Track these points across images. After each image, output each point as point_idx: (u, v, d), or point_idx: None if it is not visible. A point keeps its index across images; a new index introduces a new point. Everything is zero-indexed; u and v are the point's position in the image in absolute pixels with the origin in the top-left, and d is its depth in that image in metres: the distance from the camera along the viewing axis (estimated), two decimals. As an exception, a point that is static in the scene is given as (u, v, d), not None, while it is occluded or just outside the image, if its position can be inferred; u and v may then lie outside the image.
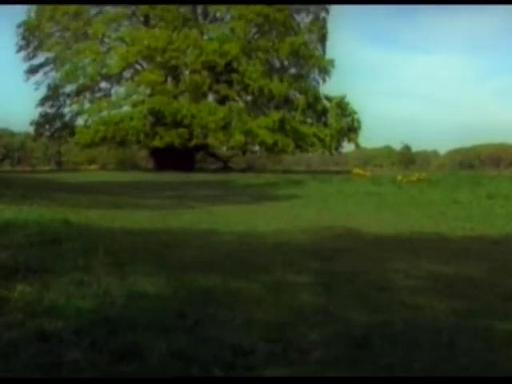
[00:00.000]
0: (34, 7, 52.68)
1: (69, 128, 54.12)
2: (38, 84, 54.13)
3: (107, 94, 53.79)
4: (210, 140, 48.12)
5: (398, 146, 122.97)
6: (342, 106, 53.28)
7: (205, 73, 48.45)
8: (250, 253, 8.78)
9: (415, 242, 10.62)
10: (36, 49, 54.07)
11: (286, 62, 55.04)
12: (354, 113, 53.98)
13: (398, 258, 8.76)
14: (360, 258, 8.70)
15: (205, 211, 15.50)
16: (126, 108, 50.42)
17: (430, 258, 8.78)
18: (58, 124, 55.08)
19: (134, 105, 49.54)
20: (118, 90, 53.51)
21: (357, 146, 57.55)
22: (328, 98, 54.49)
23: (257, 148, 54.77)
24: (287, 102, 52.93)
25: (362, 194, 22.39)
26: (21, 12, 53.73)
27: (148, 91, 49.64)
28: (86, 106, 52.71)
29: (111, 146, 56.60)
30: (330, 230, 12.11)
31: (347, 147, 59.16)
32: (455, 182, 26.98)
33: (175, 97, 48.73)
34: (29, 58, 54.31)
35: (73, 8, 50.50)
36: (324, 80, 55.07)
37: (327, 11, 57.22)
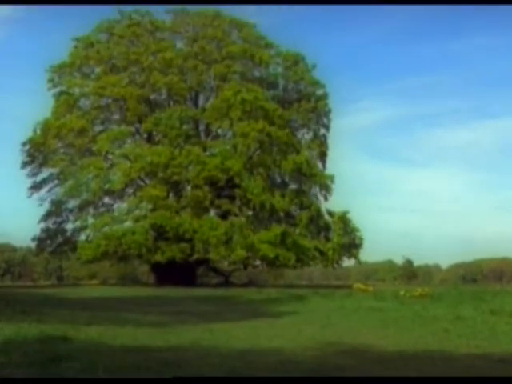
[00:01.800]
0: (39, 124, 54.20)
1: (70, 243, 54.28)
2: (41, 200, 54.87)
3: (110, 210, 54.37)
4: (212, 255, 48.02)
5: (399, 261, 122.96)
6: (344, 221, 53.65)
7: (206, 188, 49.08)
8: (252, 372, 8.65)
9: (420, 360, 10.46)
10: (41, 165, 55.04)
11: (287, 178, 55.88)
12: (357, 230, 54.38)
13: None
14: (364, 377, 8.54)
15: (205, 328, 15.33)
16: (128, 223, 50.77)
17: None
18: (59, 239, 55.30)
19: (136, 220, 49.84)
20: (121, 206, 54.20)
21: (358, 262, 57.76)
22: (330, 213, 54.99)
23: (258, 262, 54.63)
24: (288, 216, 53.38)
25: (364, 309, 22.17)
26: (26, 129, 54.98)
27: (150, 206, 50.06)
28: (89, 221, 53.15)
29: (112, 260, 56.67)
30: (332, 348, 11.95)
31: (348, 262, 59.18)
32: (458, 297, 26.78)
33: (177, 212, 49.05)
34: (33, 173, 55.24)
35: (78, 125, 51.83)
36: (326, 197, 55.73)
37: (327, 129, 58.84)
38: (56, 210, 54.62)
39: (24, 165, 54.85)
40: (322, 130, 58.91)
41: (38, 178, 55.34)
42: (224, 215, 50.62)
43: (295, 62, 57.63)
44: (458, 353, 11.43)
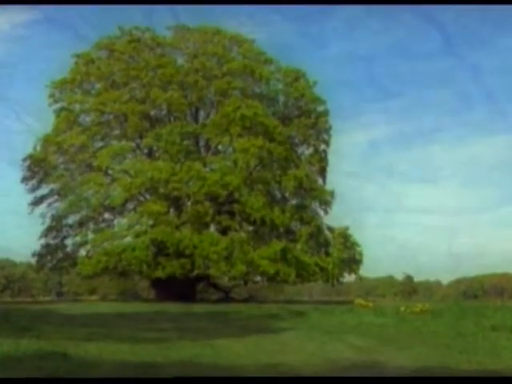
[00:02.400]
0: (39, 140, 54.23)
1: (70, 259, 54.06)
2: (41, 215, 54.63)
3: (110, 225, 54.24)
4: (212, 270, 47.88)
5: (400, 276, 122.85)
6: (344, 237, 53.64)
7: (207, 203, 48.99)
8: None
9: (420, 376, 10.40)
10: (41, 181, 54.87)
11: (287, 193, 55.77)
12: (357, 245, 54.38)
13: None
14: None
15: (206, 344, 15.27)
16: (129, 238, 50.58)
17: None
18: (59, 255, 55.07)
19: (137, 235, 49.60)
20: (121, 221, 54.01)
21: (359, 277, 57.66)
22: (330, 229, 54.98)
23: (258, 278, 54.47)
24: (289, 231, 53.26)
25: (365, 325, 22.10)
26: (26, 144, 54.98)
27: (150, 222, 49.91)
28: (89, 236, 52.94)
29: (113, 276, 56.45)
30: (332, 364, 11.90)
31: (349, 277, 59.01)
32: (459, 312, 26.68)
33: (177, 227, 48.89)
34: (33, 189, 55.09)
35: (79, 141, 51.88)
36: (326, 212, 55.75)
37: (327, 144, 58.82)
38: (56, 225, 54.41)
39: (24, 180, 54.79)
40: (322, 146, 58.86)
41: (39, 194, 55.21)
42: (224, 231, 50.49)
43: (296, 78, 57.66)
44: (458, 369, 11.37)
